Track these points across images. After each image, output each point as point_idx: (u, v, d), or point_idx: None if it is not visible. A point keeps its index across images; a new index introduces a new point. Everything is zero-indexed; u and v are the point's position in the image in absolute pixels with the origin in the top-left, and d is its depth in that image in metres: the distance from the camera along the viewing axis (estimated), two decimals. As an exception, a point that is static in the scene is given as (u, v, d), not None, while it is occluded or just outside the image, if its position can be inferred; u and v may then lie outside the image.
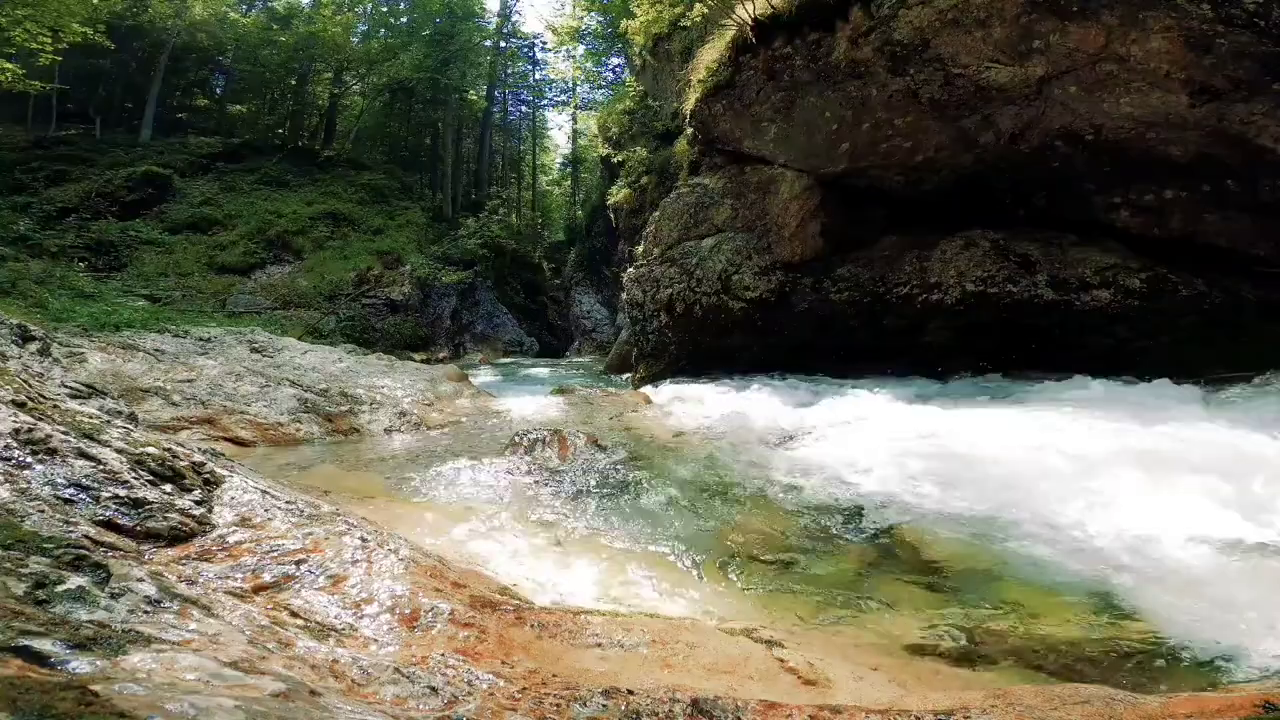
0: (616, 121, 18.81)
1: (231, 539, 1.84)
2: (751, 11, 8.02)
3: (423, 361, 12.32)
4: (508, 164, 37.68)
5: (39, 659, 0.95)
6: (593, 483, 4.04)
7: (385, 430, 5.83)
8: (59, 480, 1.66)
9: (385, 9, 29.35)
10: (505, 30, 31.92)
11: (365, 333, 16.81)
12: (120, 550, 1.54)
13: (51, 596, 1.16)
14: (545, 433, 4.83)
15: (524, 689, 1.40)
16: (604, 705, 1.35)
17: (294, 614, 1.57)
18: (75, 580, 1.23)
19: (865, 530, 3.32)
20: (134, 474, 1.85)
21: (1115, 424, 4.56)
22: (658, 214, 10.55)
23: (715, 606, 2.52)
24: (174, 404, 5.34)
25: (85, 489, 1.68)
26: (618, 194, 16.08)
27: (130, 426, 2.43)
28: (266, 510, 2.05)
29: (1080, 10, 5.79)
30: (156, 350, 6.60)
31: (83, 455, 1.79)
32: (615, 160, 17.65)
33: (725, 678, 1.72)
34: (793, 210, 8.74)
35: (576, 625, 1.90)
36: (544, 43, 34.19)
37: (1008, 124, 6.91)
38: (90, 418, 2.14)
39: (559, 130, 41.66)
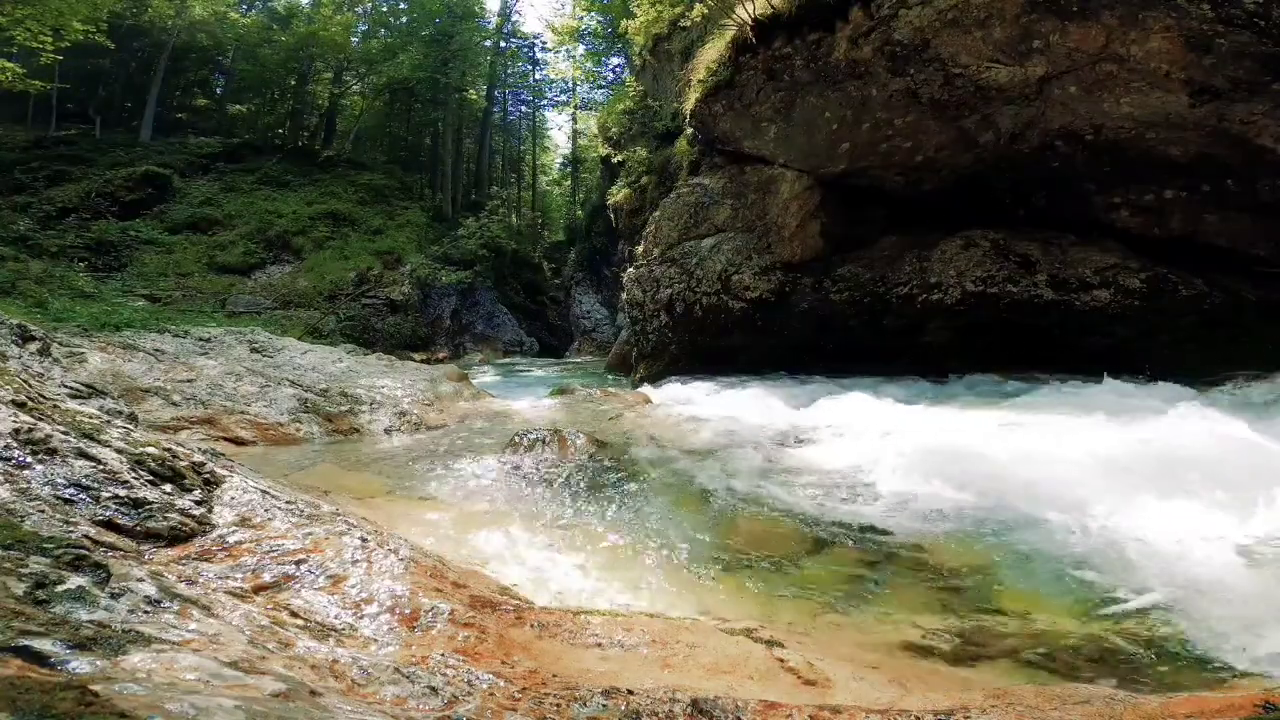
0: (616, 121, 18.80)
1: (231, 539, 1.84)
2: (751, 11, 8.02)
3: (423, 361, 12.32)
4: (508, 164, 37.68)
5: (39, 659, 0.95)
6: (592, 482, 4.04)
7: (385, 430, 5.83)
8: (59, 480, 1.66)
9: (385, 9, 29.34)
10: (505, 30, 31.92)
11: (365, 333, 16.81)
12: (120, 550, 1.54)
13: (51, 596, 1.16)
14: (545, 432, 4.83)
15: (524, 689, 1.41)
16: (604, 705, 1.35)
17: (294, 614, 1.57)
18: (75, 580, 1.23)
19: (864, 530, 3.32)
20: (134, 474, 1.85)
21: (1115, 424, 4.55)
22: (658, 214, 10.55)
23: (715, 606, 2.52)
24: (174, 404, 5.34)
25: (85, 489, 1.68)
26: (618, 194, 16.07)
27: (130, 426, 2.43)
28: (266, 510, 2.05)
29: (1080, 10, 5.80)
30: (156, 350, 6.60)
31: (83, 455, 1.79)
32: (615, 160, 17.64)
33: (725, 678, 1.72)
34: (793, 210, 8.74)
35: (576, 625, 1.90)
36: (544, 43, 34.23)
37: (1008, 124, 6.91)
38: (90, 418, 2.14)
39: (559, 130, 41.68)
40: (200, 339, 7.58)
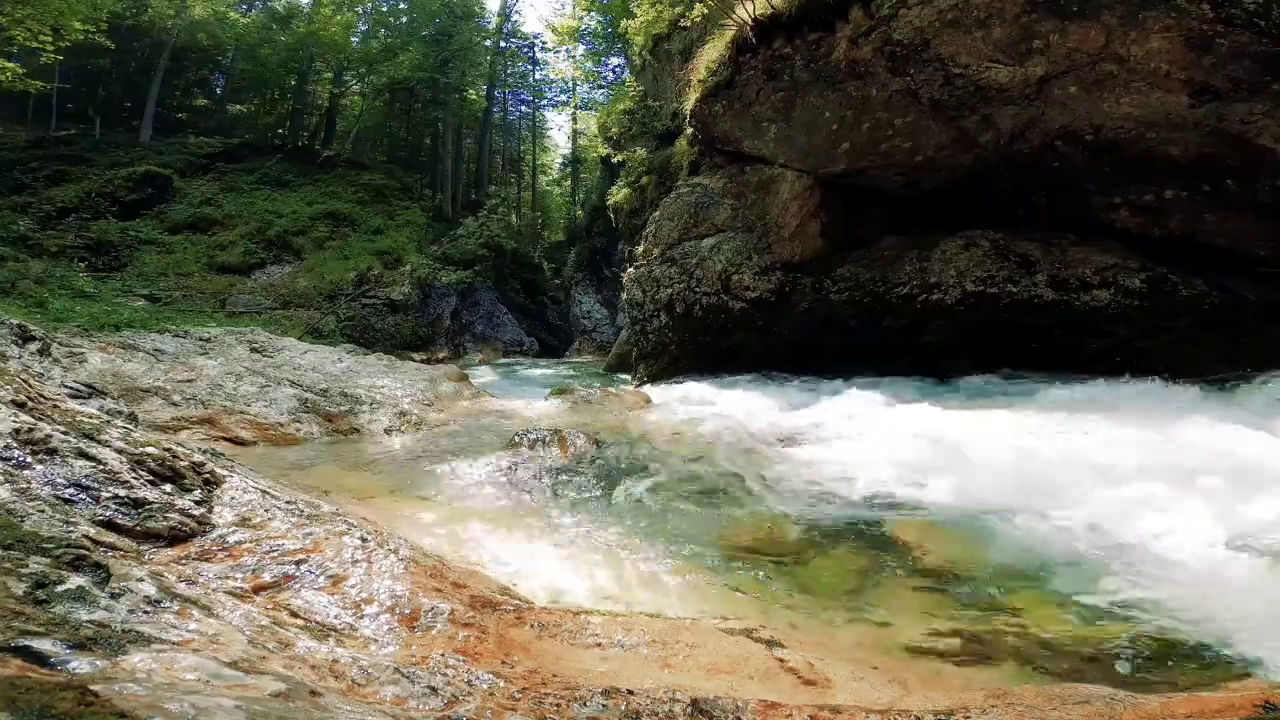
0: (616, 121, 18.80)
1: (231, 539, 1.84)
2: (751, 11, 8.02)
3: (423, 361, 12.31)
4: (508, 164, 37.68)
5: (39, 659, 0.95)
6: (592, 482, 4.04)
7: (385, 430, 5.83)
8: (59, 480, 1.66)
9: (385, 9, 29.35)
10: (505, 30, 31.91)
11: (365, 333, 16.81)
12: (120, 550, 1.54)
13: (51, 596, 1.16)
14: (545, 432, 4.83)
15: (524, 689, 1.41)
16: (604, 705, 1.35)
17: (294, 614, 1.57)
18: (75, 580, 1.23)
19: (865, 530, 3.32)
20: (134, 474, 1.85)
21: (1115, 424, 4.56)
22: (658, 214, 10.55)
23: (715, 606, 2.51)
24: (174, 404, 5.34)
25: (85, 489, 1.68)
26: (618, 194, 16.07)
27: (130, 426, 2.43)
28: (266, 510, 2.05)
29: (1080, 10, 5.79)
30: (156, 350, 6.60)
31: (83, 455, 1.79)
32: (615, 160, 17.64)
33: (725, 678, 1.72)
34: (793, 210, 8.74)
35: (576, 625, 1.90)
36: (544, 43, 34.24)
37: (1008, 124, 6.91)
38: (90, 418, 2.14)
39: (559, 130, 41.73)
40: (200, 339, 7.58)
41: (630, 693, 1.39)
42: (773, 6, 7.89)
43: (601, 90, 31.24)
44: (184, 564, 1.63)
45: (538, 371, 15.76)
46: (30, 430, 1.76)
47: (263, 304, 16.82)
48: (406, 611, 1.72)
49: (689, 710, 1.36)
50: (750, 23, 8.06)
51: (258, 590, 1.63)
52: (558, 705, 1.34)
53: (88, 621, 1.13)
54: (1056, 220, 7.51)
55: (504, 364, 18.34)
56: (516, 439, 4.75)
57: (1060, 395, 5.89)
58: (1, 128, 20.12)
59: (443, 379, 7.84)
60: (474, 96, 30.02)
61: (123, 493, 1.75)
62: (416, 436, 5.71)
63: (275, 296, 17.27)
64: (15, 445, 1.68)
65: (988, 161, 7.40)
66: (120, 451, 1.91)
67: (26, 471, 1.62)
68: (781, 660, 1.85)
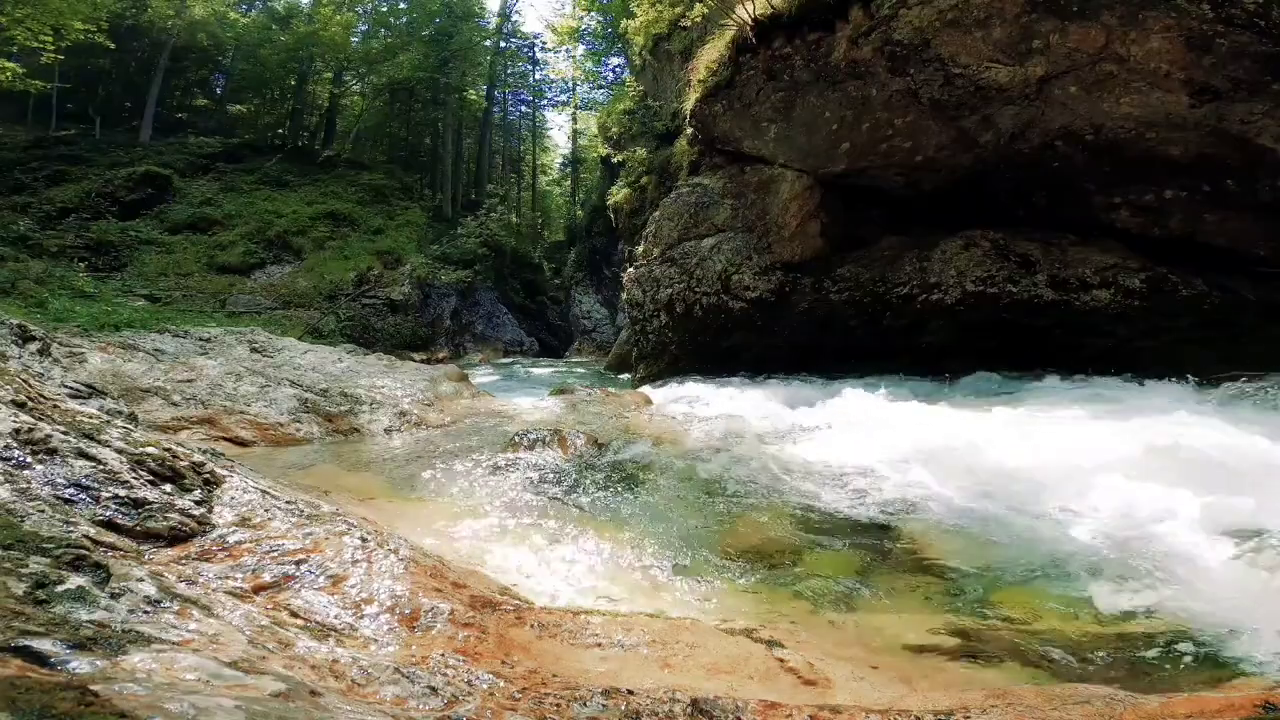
0: (616, 121, 18.80)
1: (231, 539, 1.83)
2: (751, 11, 8.02)
3: (423, 361, 12.31)
4: (508, 164, 37.70)
5: (39, 659, 0.95)
6: (592, 482, 4.04)
7: (385, 430, 5.83)
8: (59, 480, 1.66)
9: (385, 9, 29.37)
10: (505, 30, 31.94)
11: (365, 333, 16.82)
12: (120, 550, 1.54)
13: (51, 596, 1.16)
14: (545, 432, 4.83)
15: (524, 689, 1.41)
16: (604, 705, 1.35)
17: (294, 614, 1.57)
18: (75, 580, 1.23)
19: (865, 529, 3.32)
20: (134, 474, 1.85)
21: (1115, 424, 4.56)
22: (658, 214, 10.55)
23: (715, 606, 2.52)
24: (174, 404, 5.34)
25: (85, 489, 1.68)
26: (618, 194, 16.08)
27: (130, 426, 2.43)
28: (266, 510, 2.05)
29: (1080, 10, 5.79)
30: (156, 350, 6.60)
31: (83, 455, 1.79)
32: (615, 160, 17.66)
33: (725, 678, 1.72)
34: (793, 210, 8.74)
35: (576, 625, 1.90)
36: (544, 43, 34.28)
37: (1008, 124, 6.91)
38: (90, 418, 2.14)
39: (559, 130, 41.78)
40: (200, 339, 7.57)
41: (630, 693, 1.39)
42: (773, 6, 7.89)
43: (601, 90, 31.29)
44: (184, 564, 1.63)
45: (538, 371, 15.76)
46: (30, 430, 1.76)
47: (263, 304, 16.82)
48: (406, 611, 1.72)
49: (689, 710, 1.36)
50: (750, 23, 8.06)
51: (258, 590, 1.63)
52: (558, 705, 1.34)
53: (88, 621, 1.13)
54: (1056, 220, 7.51)
55: (504, 364, 18.34)
56: (517, 439, 4.75)
57: (1060, 395, 5.89)
58: (1, 128, 20.14)
59: (443, 379, 7.83)
60: (474, 96, 30.04)
61: (123, 493, 1.75)
62: (417, 436, 5.71)
63: (275, 296, 17.27)
64: (15, 445, 1.68)
65: (988, 161, 7.40)
66: (120, 451, 1.91)
67: (26, 471, 1.62)
68: (781, 660, 1.85)
